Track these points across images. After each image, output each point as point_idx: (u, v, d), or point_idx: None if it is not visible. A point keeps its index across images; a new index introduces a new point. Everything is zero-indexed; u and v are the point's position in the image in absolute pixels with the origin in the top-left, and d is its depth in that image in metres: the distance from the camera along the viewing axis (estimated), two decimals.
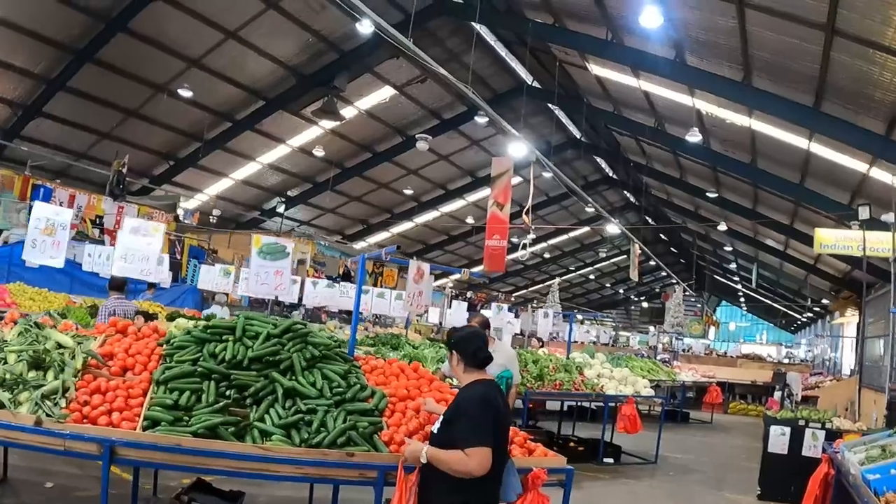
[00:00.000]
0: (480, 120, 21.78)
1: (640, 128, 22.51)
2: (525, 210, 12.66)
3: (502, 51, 22.31)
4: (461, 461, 3.78)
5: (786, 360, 38.60)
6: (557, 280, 26.97)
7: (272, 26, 19.40)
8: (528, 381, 10.06)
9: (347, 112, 24.20)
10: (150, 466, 4.86)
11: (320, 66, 21.58)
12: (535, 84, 24.10)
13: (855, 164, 16.29)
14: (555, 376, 10.85)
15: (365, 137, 26.84)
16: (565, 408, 14.74)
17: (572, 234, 43.60)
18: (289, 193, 30.29)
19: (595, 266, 52.83)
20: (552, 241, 44.52)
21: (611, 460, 11.63)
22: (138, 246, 9.55)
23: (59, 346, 5.22)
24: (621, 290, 63.22)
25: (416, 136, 23.47)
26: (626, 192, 35.44)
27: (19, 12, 17.17)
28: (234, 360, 5.03)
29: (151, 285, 15.27)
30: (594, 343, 28.13)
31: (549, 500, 4.45)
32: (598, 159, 31.64)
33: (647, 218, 37.97)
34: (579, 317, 35.86)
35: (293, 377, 5.03)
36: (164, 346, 5.32)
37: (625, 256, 45.33)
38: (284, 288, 6.20)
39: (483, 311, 15.83)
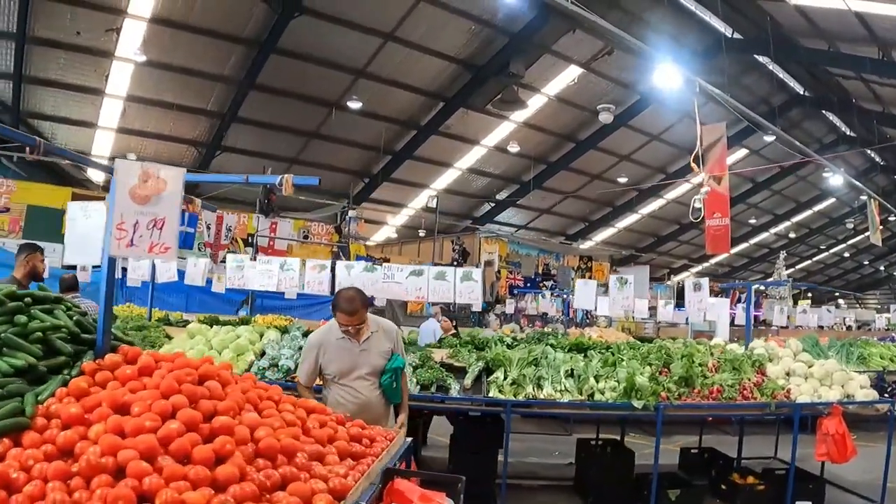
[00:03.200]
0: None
1: (860, 62, 18.50)
2: (693, 155, 10.04)
3: (689, 2, 19.35)
4: None
5: None
6: (783, 254, 22.64)
7: (428, 20, 18.27)
8: (665, 387, 6.87)
9: (536, 100, 22.55)
10: None
11: (492, 55, 20.01)
12: (736, 35, 20.75)
13: None
14: (711, 379, 7.21)
15: (562, 126, 24.82)
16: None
17: (816, 208, 38.67)
18: (497, 197, 29.00)
19: (849, 242, 46.20)
20: (795, 219, 39.73)
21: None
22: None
23: None
24: (882, 267, 54.87)
25: (598, 107, 21.05)
26: (867, 150, 29.92)
27: (175, 54, 17.74)
28: None
29: None
30: (820, 328, 23.03)
31: None
32: (829, 115, 26.85)
33: None
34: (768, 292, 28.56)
35: None
36: None
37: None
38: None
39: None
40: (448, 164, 25.79)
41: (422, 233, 27.66)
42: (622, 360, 7.51)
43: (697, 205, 12.86)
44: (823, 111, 26.17)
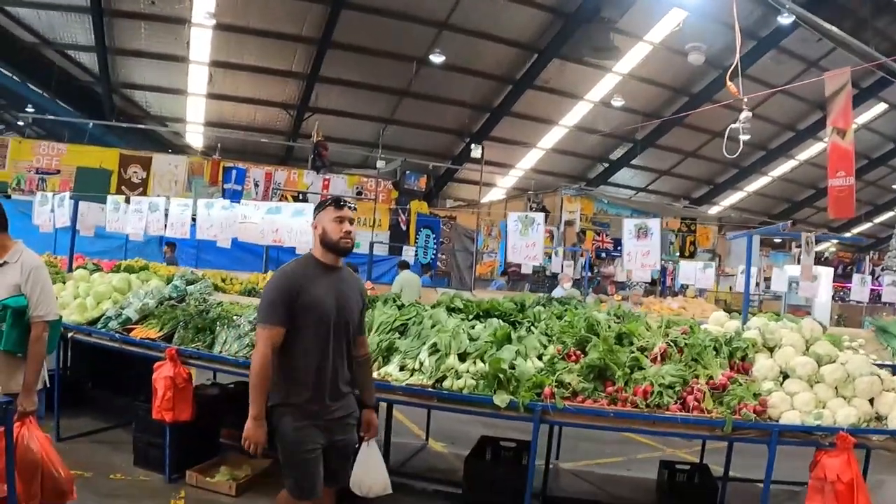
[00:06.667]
0: (784, 21, 17.47)
1: None
2: (730, 70, 8.22)
3: None
4: None
5: None
6: None
7: None
8: (558, 379, 4.72)
9: (639, 49, 21.17)
10: None
11: None
12: None
13: None
14: (644, 373, 4.74)
15: (672, 77, 23.16)
16: None
17: None
18: (611, 157, 27.70)
19: None
20: None
21: None
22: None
23: None
24: None
25: (687, 47, 19.20)
26: None
27: (249, 16, 18.16)
28: None
29: None
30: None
31: None
32: None
33: None
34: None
35: None
36: None
37: None
38: None
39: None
40: (552, 122, 24.83)
41: (531, 193, 26.78)
42: (532, 333, 5.42)
43: (742, 136, 10.05)
44: None
